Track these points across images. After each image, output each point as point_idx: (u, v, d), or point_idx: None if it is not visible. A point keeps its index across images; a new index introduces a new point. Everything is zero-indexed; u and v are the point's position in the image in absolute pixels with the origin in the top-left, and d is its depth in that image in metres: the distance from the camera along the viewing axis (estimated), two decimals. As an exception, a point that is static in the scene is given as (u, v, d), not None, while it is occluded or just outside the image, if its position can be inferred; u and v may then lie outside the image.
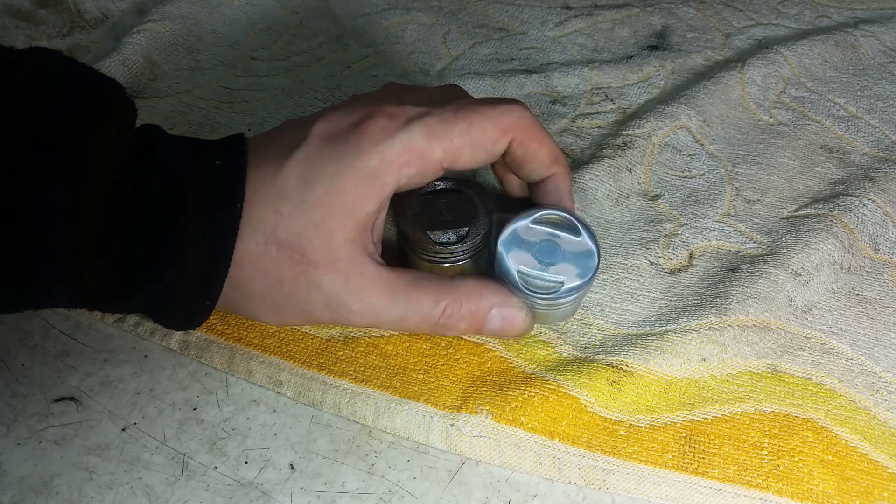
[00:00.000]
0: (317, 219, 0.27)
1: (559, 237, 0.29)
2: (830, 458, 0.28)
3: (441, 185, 0.33)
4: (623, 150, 0.39)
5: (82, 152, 0.24)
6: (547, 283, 0.29)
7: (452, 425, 0.28)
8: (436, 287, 0.28)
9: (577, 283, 0.28)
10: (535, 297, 0.28)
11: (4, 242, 0.23)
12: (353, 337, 0.31)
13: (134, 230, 0.25)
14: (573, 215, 0.30)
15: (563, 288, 0.28)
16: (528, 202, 0.33)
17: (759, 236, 0.36)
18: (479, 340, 0.31)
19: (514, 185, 0.33)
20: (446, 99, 0.29)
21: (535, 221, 0.30)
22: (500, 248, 0.29)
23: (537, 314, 0.30)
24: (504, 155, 0.29)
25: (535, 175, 0.30)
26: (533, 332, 0.32)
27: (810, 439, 0.29)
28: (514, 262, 0.29)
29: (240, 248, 0.27)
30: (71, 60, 0.25)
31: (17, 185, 0.22)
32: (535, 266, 0.29)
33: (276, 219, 0.27)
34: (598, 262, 0.29)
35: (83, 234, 0.24)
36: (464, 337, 0.31)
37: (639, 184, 0.39)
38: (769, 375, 0.31)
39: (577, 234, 0.29)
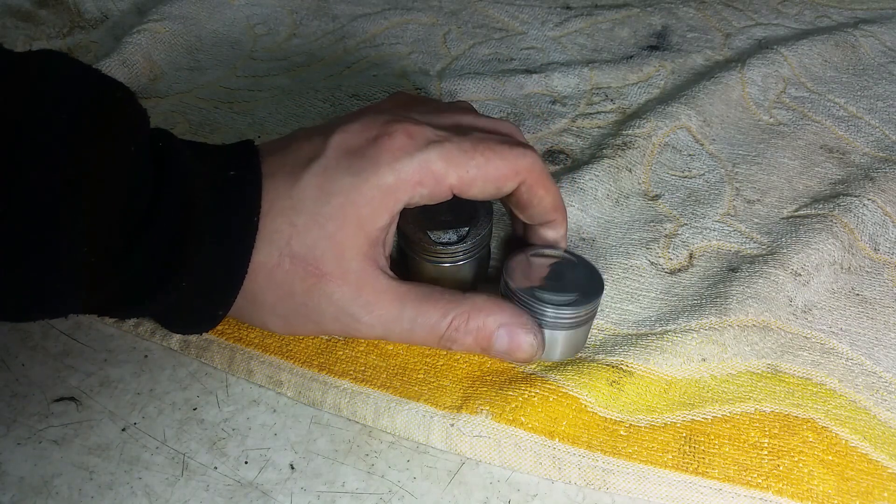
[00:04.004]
0: (330, 231, 0.27)
1: (562, 266, 0.30)
2: (830, 458, 0.28)
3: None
4: (623, 149, 0.39)
5: (99, 166, 0.23)
6: (561, 298, 0.29)
7: (452, 425, 0.28)
8: (445, 301, 0.28)
9: (592, 297, 0.29)
10: (552, 310, 0.28)
11: (19, 256, 0.22)
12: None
13: (151, 243, 0.25)
14: (570, 252, 0.31)
15: (579, 299, 0.28)
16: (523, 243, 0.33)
17: (759, 236, 0.36)
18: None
19: (519, 224, 0.33)
20: (459, 119, 0.30)
21: (534, 256, 0.31)
22: (507, 278, 0.29)
23: (550, 339, 0.29)
24: (510, 195, 0.29)
25: (536, 219, 0.30)
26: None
27: (810, 439, 0.29)
28: (523, 283, 0.29)
29: (254, 259, 0.27)
30: (80, 65, 0.25)
31: (33, 199, 0.22)
32: (544, 287, 0.29)
33: (290, 231, 0.27)
34: (602, 287, 0.29)
35: (100, 248, 0.23)
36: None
37: (639, 184, 0.39)
38: (769, 375, 0.31)
39: (575, 267, 0.30)
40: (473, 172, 0.27)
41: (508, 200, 0.30)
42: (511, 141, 0.29)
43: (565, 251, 0.31)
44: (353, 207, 0.27)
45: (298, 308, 0.28)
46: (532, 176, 0.28)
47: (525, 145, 0.29)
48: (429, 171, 0.27)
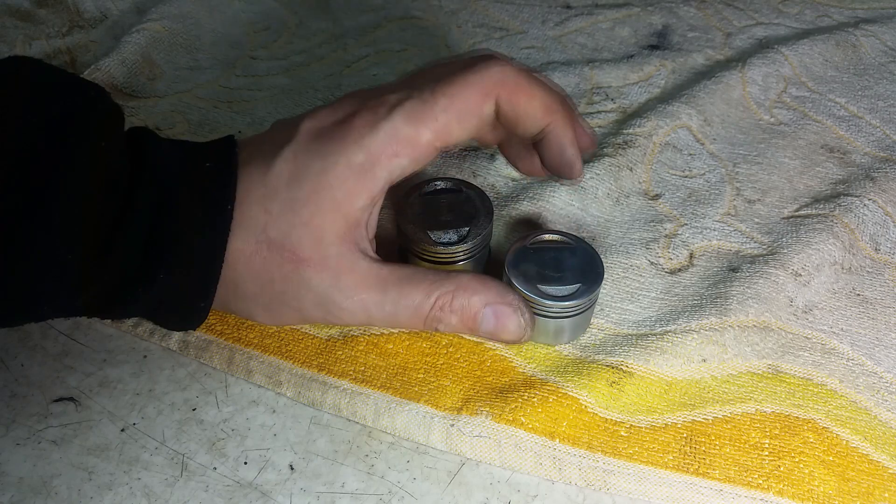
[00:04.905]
0: (305, 216, 0.26)
1: (562, 253, 0.30)
2: (831, 458, 0.28)
3: (441, 185, 0.33)
4: (624, 148, 0.39)
5: (76, 166, 0.23)
6: (564, 290, 0.29)
7: (453, 426, 0.28)
8: (429, 281, 0.28)
9: (593, 286, 0.29)
10: (556, 304, 0.29)
11: (4, 260, 0.22)
12: (352, 336, 0.31)
13: (129, 239, 0.25)
14: (569, 235, 0.31)
15: (581, 291, 0.29)
16: (528, 226, 0.33)
17: (759, 236, 0.36)
18: (479, 339, 0.31)
19: (535, 166, 0.32)
20: (428, 72, 0.28)
21: (534, 243, 0.30)
22: (508, 269, 0.29)
23: (549, 327, 0.30)
24: (497, 117, 0.27)
25: (533, 129, 0.28)
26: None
27: (811, 440, 0.28)
28: (526, 278, 0.29)
29: (231, 247, 0.27)
30: (53, 68, 0.25)
31: (13, 202, 0.22)
32: (546, 278, 0.29)
33: (265, 217, 0.26)
34: (603, 271, 0.30)
35: (81, 247, 0.23)
36: (464, 336, 0.31)
37: (639, 183, 0.39)
38: (770, 376, 0.31)
39: (575, 252, 0.30)
40: (443, 117, 0.26)
41: (500, 124, 0.28)
42: (471, 61, 0.27)
43: (564, 234, 0.31)
44: (328, 190, 0.26)
45: (279, 297, 0.27)
46: (506, 87, 0.27)
47: (489, 57, 0.27)
48: (399, 138, 0.26)
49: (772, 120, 0.43)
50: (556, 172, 0.29)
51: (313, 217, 0.26)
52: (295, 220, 0.26)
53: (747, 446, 0.28)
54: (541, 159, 0.30)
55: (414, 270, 0.28)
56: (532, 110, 0.27)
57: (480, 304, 0.28)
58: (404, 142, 0.26)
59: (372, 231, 0.28)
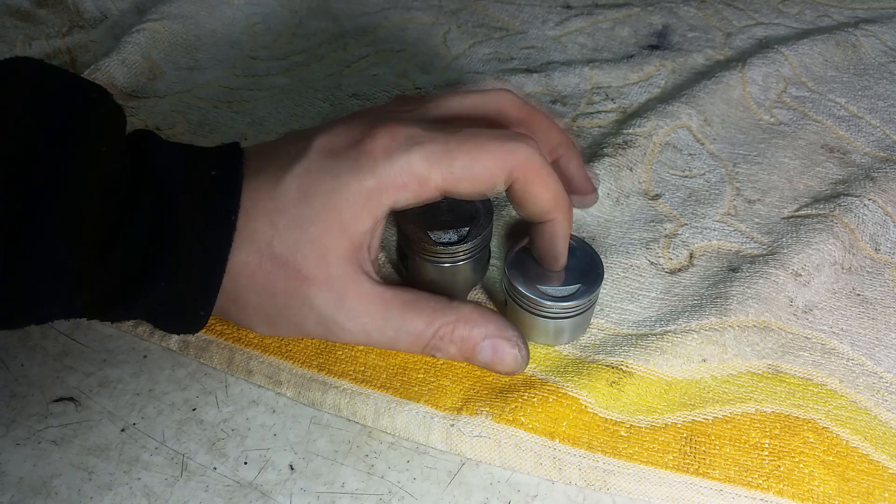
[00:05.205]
0: (313, 234, 0.26)
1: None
2: (831, 458, 0.28)
3: (441, 184, 0.33)
4: (624, 148, 0.39)
5: (76, 166, 0.23)
6: (563, 291, 0.29)
7: (453, 426, 0.28)
8: (431, 309, 0.28)
9: (593, 286, 0.29)
10: (555, 305, 0.29)
11: (4, 260, 0.22)
12: (352, 337, 0.31)
13: (129, 242, 0.25)
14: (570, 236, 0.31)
15: (582, 291, 0.29)
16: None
17: (759, 236, 0.36)
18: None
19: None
20: (452, 111, 0.29)
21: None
22: (508, 269, 0.29)
23: (549, 327, 0.30)
24: (507, 191, 0.28)
25: (534, 217, 0.29)
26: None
27: (811, 440, 0.28)
28: (526, 278, 0.29)
29: (235, 259, 0.26)
30: (54, 69, 0.25)
31: (13, 203, 0.22)
32: (546, 278, 0.29)
33: (272, 232, 0.26)
34: (603, 271, 0.30)
35: (81, 249, 0.23)
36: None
37: (639, 183, 0.39)
38: (770, 376, 0.31)
39: (575, 252, 0.30)
40: (458, 172, 0.26)
41: (507, 196, 0.29)
42: (503, 135, 0.27)
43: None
44: (335, 211, 0.26)
45: (281, 311, 0.27)
46: (525, 172, 0.27)
47: (520, 137, 0.27)
48: (411, 173, 0.26)
49: (772, 120, 0.43)
50: (540, 258, 0.30)
51: (321, 236, 0.26)
52: (302, 237, 0.26)
53: (747, 446, 0.28)
54: (530, 239, 0.30)
55: (416, 296, 0.28)
56: (542, 201, 0.28)
57: (480, 336, 0.28)
58: (415, 178, 0.26)
59: (374, 253, 0.29)
